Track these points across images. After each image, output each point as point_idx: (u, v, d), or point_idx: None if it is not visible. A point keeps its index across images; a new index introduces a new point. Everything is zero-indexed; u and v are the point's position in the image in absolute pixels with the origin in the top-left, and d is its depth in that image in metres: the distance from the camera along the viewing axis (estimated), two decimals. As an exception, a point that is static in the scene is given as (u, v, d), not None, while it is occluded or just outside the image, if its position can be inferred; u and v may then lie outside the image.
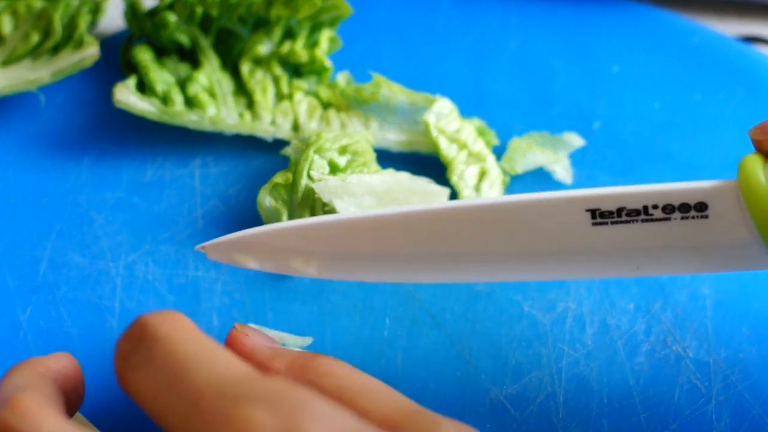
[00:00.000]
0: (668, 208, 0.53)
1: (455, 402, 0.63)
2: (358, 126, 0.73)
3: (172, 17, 0.73)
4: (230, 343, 0.57)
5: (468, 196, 0.70)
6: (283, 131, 0.73)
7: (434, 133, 0.71)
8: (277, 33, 0.75)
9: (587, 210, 0.54)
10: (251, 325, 0.65)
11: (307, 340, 0.65)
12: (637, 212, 0.53)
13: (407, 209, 0.57)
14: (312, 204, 0.68)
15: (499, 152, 0.73)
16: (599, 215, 0.54)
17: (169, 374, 0.45)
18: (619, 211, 0.53)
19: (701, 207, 0.53)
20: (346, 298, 0.67)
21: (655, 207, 0.53)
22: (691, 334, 0.66)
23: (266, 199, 0.68)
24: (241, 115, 0.73)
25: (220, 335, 0.65)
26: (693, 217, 0.53)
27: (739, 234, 0.53)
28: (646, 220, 0.53)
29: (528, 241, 0.55)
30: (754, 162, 0.52)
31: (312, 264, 0.59)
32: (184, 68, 0.75)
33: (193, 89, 0.73)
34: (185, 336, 0.47)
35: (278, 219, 0.68)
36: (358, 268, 0.59)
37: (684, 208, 0.53)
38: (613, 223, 0.54)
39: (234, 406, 0.42)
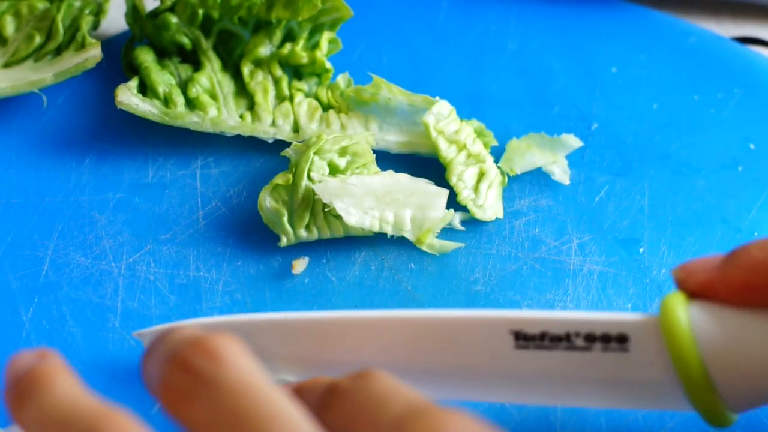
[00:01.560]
0: (590, 338, 0.53)
1: (453, 401, 0.63)
2: (358, 127, 0.73)
3: (173, 19, 0.74)
4: None
5: (467, 197, 0.70)
6: (284, 132, 0.73)
7: (433, 134, 0.71)
8: (278, 35, 0.75)
9: (511, 332, 0.54)
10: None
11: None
12: (560, 338, 0.53)
13: (333, 315, 0.57)
14: (312, 205, 0.68)
15: (497, 153, 0.74)
16: (523, 338, 0.54)
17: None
18: (542, 335, 0.53)
19: (622, 339, 0.53)
20: (346, 298, 0.68)
21: (577, 335, 0.53)
22: (687, 333, 0.66)
23: (267, 200, 0.69)
24: (241, 117, 0.74)
25: (221, 335, 0.66)
26: (613, 350, 0.53)
27: (658, 372, 0.52)
28: (568, 348, 0.53)
29: (453, 358, 0.56)
30: (676, 301, 0.52)
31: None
32: (185, 70, 0.75)
33: (195, 91, 0.73)
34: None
35: (279, 220, 0.68)
36: (280, 366, 0.59)
37: (605, 338, 0.53)
38: (536, 347, 0.54)
39: None
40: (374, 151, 0.71)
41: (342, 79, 0.76)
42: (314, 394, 0.49)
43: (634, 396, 0.55)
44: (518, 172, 0.72)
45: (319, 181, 0.68)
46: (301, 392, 0.51)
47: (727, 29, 0.86)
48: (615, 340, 0.53)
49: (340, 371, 0.54)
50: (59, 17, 0.75)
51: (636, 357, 0.53)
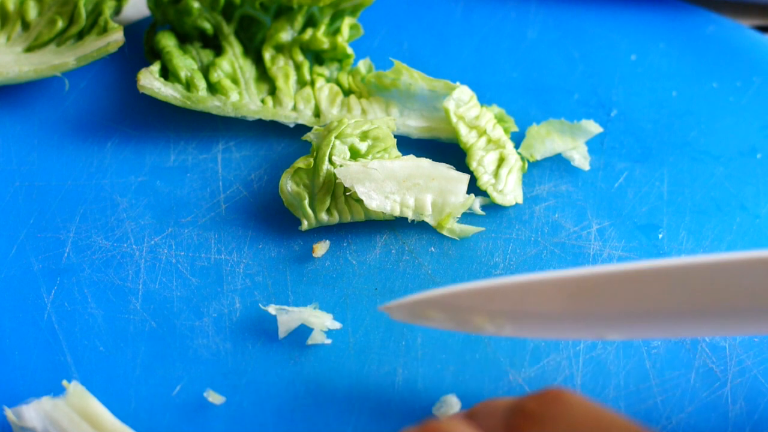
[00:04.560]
0: None
1: (474, 384, 0.63)
2: (378, 112, 0.74)
3: (195, 4, 0.74)
4: None
5: (487, 182, 0.70)
6: (305, 117, 0.74)
7: (454, 119, 0.72)
8: (299, 20, 0.75)
9: None
10: (273, 305, 0.66)
11: (329, 317, 0.66)
12: None
13: (591, 270, 0.56)
14: (333, 189, 0.68)
15: (517, 139, 0.74)
16: None
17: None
18: None
19: None
20: (367, 281, 0.68)
21: None
22: (707, 318, 0.66)
23: (288, 184, 0.69)
24: (263, 101, 0.74)
25: (242, 317, 0.67)
26: None
27: None
28: None
29: (723, 299, 0.55)
30: None
31: (497, 322, 0.59)
32: (206, 55, 0.76)
33: (216, 75, 0.74)
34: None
35: (300, 203, 0.69)
36: (544, 326, 0.59)
37: None
38: None
39: None
40: (395, 136, 0.72)
41: (363, 65, 0.76)
42: (495, 418, 0.51)
43: None
44: (538, 157, 0.73)
45: (341, 165, 0.68)
46: (477, 417, 0.52)
47: (747, 18, 0.86)
48: None
49: (603, 323, 0.56)
50: (81, 2, 0.75)
51: None
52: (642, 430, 0.47)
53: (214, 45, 0.77)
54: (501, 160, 0.72)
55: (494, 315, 0.58)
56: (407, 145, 0.73)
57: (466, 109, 0.72)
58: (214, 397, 0.63)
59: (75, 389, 0.62)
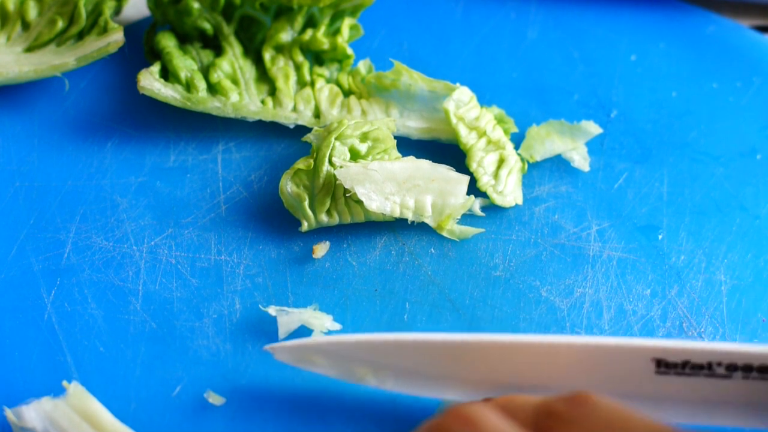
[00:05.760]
0: (731, 367, 0.56)
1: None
2: (378, 113, 0.74)
3: (195, 4, 0.74)
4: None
5: (487, 183, 0.70)
6: (305, 118, 0.74)
7: (454, 120, 0.72)
8: (299, 20, 0.75)
9: (653, 359, 0.56)
10: (273, 306, 0.66)
11: (329, 319, 0.66)
12: (701, 367, 0.56)
13: (474, 337, 0.59)
14: (333, 190, 0.68)
15: (517, 140, 0.74)
16: (664, 365, 0.56)
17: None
18: (684, 364, 0.56)
19: (764, 369, 0.55)
20: (367, 282, 0.68)
21: (719, 364, 0.56)
22: (706, 319, 0.66)
23: (288, 185, 0.69)
24: (263, 102, 0.74)
25: (243, 318, 0.67)
26: (754, 378, 0.55)
27: None
28: (709, 376, 0.56)
29: (597, 382, 0.58)
30: None
31: (380, 376, 0.61)
32: (206, 55, 0.76)
33: (216, 76, 0.74)
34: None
35: (300, 204, 0.69)
36: (427, 385, 0.60)
37: (747, 368, 0.55)
38: (676, 374, 0.56)
39: None
40: (395, 137, 0.72)
41: (363, 65, 0.76)
42: (525, 414, 0.51)
43: None
44: (538, 158, 0.72)
45: (341, 167, 0.68)
46: (506, 409, 0.52)
47: (747, 18, 0.86)
48: (756, 370, 0.56)
49: (499, 392, 0.58)
50: (81, 2, 0.75)
51: None
52: (671, 430, 0.47)
53: (214, 45, 0.77)
54: (501, 161, 0.72)
55: (378, 368, 0.60)
56: (407, 146, 0.73)
57: (466, 110, 0.72)
58: (214, 398, 0.64)
59: (75, 389, 0.62)
